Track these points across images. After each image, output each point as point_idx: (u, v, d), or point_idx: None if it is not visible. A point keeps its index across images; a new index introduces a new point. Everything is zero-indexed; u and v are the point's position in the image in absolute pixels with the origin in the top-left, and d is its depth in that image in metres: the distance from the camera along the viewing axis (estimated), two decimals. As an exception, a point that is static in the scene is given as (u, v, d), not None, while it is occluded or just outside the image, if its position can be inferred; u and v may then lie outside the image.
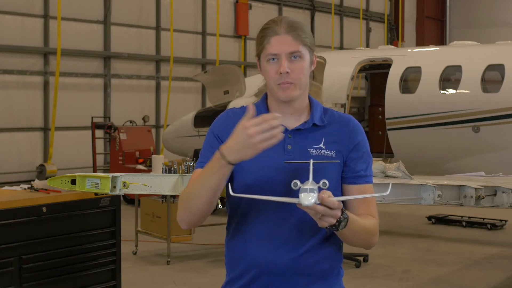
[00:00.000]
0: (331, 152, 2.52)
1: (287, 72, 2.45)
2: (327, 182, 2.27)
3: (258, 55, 2.54)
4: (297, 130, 2.55)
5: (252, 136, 2.22)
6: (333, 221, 2.28)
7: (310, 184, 2.25)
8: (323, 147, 2.52)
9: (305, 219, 2.48)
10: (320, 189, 2.27)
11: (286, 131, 2.53)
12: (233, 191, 2.46)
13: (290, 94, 2.49)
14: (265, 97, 2.62)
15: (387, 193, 2.34)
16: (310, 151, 2.50)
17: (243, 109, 2.63)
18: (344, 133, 2.57)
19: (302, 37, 2.48)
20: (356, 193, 2.53)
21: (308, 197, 2.22)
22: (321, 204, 2.23)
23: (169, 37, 17.66)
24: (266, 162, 2.49)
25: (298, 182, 2.27)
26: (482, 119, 10.61)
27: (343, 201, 2.42)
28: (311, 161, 2.36)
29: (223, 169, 2.31)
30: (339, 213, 2.28)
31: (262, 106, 2.60)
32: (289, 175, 2.45)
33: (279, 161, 2.50)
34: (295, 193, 2.26)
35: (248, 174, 2.48)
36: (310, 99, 2.62)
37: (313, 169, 2.34)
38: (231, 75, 12.29)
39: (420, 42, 27.32)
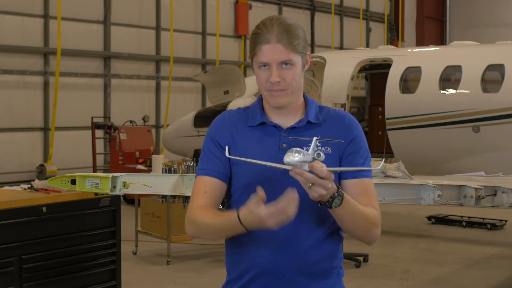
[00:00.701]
0: (326, 149, 2.52)
1: (278, 81, 2.47)
2: (322, 154, 2.27)
3: (251, 58, 2.56)
4: (292, 129, 2.56)
5: (269, 224, 2.30)
6: (324, 192, 2.26)
7: (302, 150, 2.24)
8: (319, 144, 2.52)
9: (305, 219, 2.48)
10: (314, 160, 2.26)
11: (281, 129, 2.56)
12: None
13: (281, 101, 2.51)
14: (261, 98, 2.64)
15: (379, 167, 2.35)
16: (305, 149, 2.50)
17: (239, 111, 2.67)
18: (340, 129, 2.57)
19: (293, 45, 2.48)
20: (356, 188, 2.53)
21: (290, 156, 2.22)
22: (311, 172, 2.23)
23: (169, 37, 17.66)
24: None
25: (294, 150, 2.27)
26: (482, 119, 10.60)
27: None
28: (315, 138, 2.35)
29: (240, 230, 2.40)
30: (329, 184, 2.26)
31: (258, 108, 2.62)
32: (285, 174, 2.46)
33: (274, 161, 2.50)
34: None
35: (245, 175, 2.50)
36: (305, 97, 2.63)
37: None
38: (231, 75, 12.28)
39: (420, 42, 27.32)
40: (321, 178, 2.23)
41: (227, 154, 2.43)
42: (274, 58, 2.46)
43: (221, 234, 2.50)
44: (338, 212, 2.37)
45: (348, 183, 2.53)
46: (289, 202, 2.25)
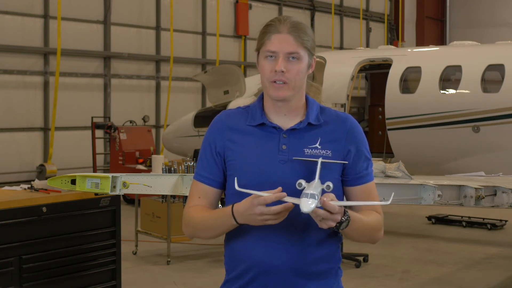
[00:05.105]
0: (327, 151, 2.51)
1: (282, 71, 2.46)
2: (331, 185, 2.30)
3: (258, 50, 2.55)
4: (292, 130, 2.55)
5: (264, 219, 2.34)
6: (333, 224, 2.31)
7: (313, 187, 2.26)
8: (319, 147, 2.52)
9: (303, 219, 2.48)
10: (323, 192, 2.28)
11: (281, 130, 2.55)
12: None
13: (282, 94, 2.50)
14: (262, 97, 2.63)
15: (389, 202, 2.37)
16: (306, 151, 2.50)
17: (238, 110, 2.66)
18: (342, 132, 2.57)
19: (303, 39, 2.48)
20: (360, 193, 2.56)
21: (307, 203, 2.24)
22: (322, 207, 2.25)
23: (169, 37, 17.66)
24: (260, 163, 2.50)
25: (303, 183, 2.29)
26: (482, 119, 10.60)
27: (345, 197, 2.44)
28: (320, 160, 2.37)
29: (233, 226, 2.44)
30: (339, 217, 2.30)
31: (258, 106, 2.61)
32: (283, 175, 2.46)
33: (273, 162, 2.50)
34: (299, 193, 2.29)
35: (242, 176, 2.49)
36: (307, 98, 2.62)
37: (311, 170, 2.36)
38: (231, 75, 12.29)
39: (420, 42, 27.31)
40: (332, 213, 2.27)
41: (236, 187, 2.42)
42: (283, 48, 2.46)
43: (215, 230, 2.52)
44: (345, 231, 2.41)
45: (353, 189, 2.57)
46: (283, 211, 2.31)
